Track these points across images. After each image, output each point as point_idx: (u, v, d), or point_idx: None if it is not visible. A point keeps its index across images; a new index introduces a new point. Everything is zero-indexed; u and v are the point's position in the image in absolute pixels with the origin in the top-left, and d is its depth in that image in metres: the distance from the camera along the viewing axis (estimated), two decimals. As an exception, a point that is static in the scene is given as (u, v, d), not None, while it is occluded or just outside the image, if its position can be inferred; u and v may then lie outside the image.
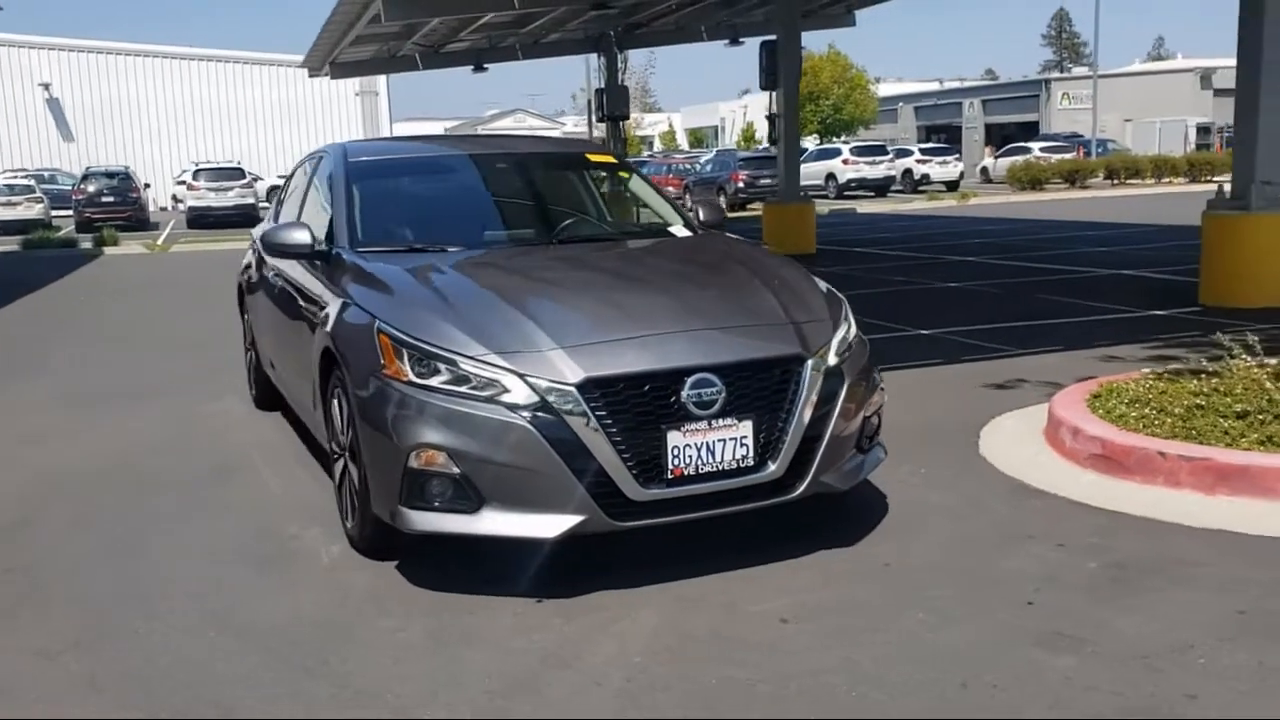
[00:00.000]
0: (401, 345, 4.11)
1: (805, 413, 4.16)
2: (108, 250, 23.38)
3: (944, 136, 58.31)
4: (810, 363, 4.21)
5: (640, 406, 3.94)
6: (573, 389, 3.89)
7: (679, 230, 5.73)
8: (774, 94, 18.22)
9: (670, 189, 31.50)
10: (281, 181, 34.16)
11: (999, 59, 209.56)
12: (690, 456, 3.98)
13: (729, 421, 4.02)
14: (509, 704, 3.32)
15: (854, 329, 4.64)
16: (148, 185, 36.59)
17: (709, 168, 38.38)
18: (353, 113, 49.27)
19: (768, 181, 30.52)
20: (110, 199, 31.14)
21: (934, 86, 74.71)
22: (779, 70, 17.65)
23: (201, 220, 31.06)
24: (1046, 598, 3.90)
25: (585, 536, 4.02)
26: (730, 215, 6.23)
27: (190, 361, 9.50)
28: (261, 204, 35.63)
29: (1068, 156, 40.49)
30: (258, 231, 7.49)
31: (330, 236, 5.33)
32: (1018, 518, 4.76)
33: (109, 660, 3.72)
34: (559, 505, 3.91)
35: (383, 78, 45.29)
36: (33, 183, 32.67)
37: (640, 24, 23.42)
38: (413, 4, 15.66)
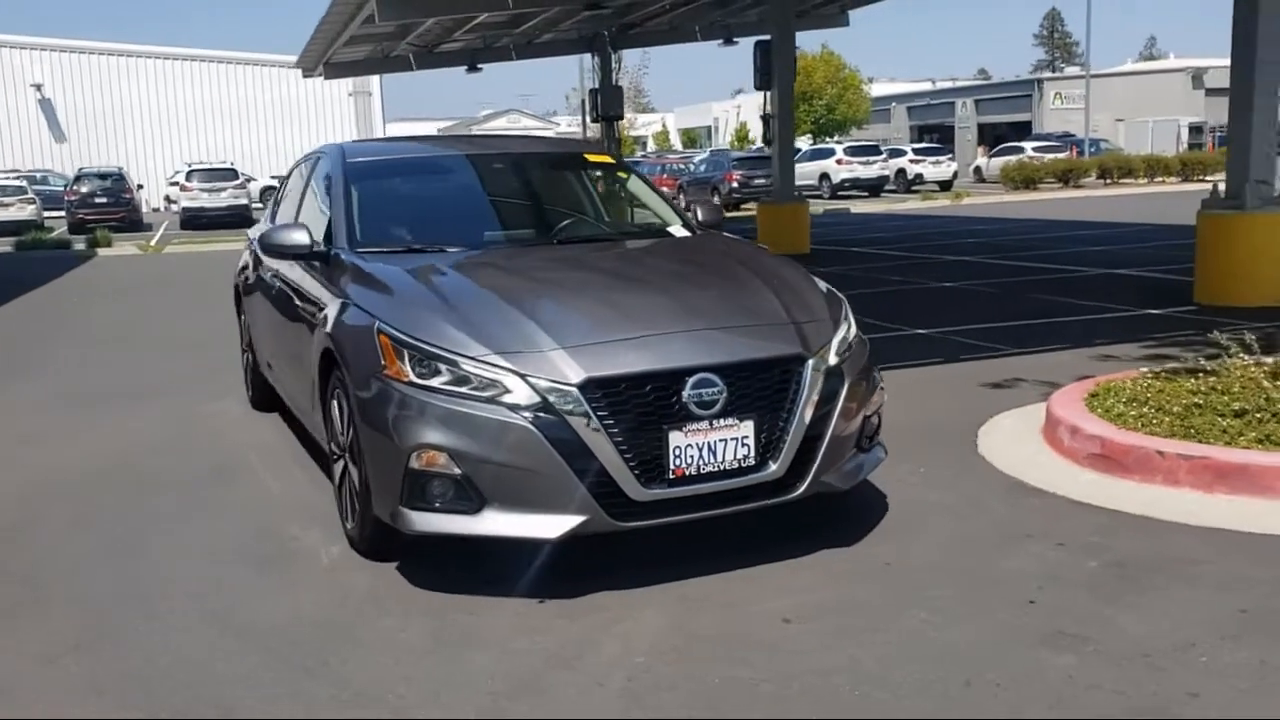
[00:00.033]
0: (402, 346, 4.11)
1: (806, 413, 4.16)
2: (101, 251, 23.34)
3: (937, 136, 58.38)
4: (811, 363, 4.21)
5: (642, 406, 3.94)
6: (574, 389, 3.89)
7: (678, 230, 5.73)
8: (768, 94, 18.22)
9: (664, 189, 31.44)
10: (275, 182, 34.01)
11: (991, 59, 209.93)
12: (692, 456, 3.98)
13: (730, 421, 4.03)
14: (513, 705, 3.32)
15: (854, 329, 4.65)
16: (141, 186, 36.51)
17: (703, 168, 38.38)
18: (346, 113, 49.22)
19: (762, 181, 30.49)
20: (103, 200, 31.06)
21: (926, 86, 74.80)
22: (773, 70, 17.65)
23: (195, 221, 30.98)
24: (1048, 596, 3.91)
25: (586, 537, 4.02)
26: (725, 215, 6.23)
27: (186, 363, 9.48)
28: (255, 205, 35.60)
29: (1061, 156, 40.54)
30: (254, 232, 7.48)
31: (329, 237, 5.32)
32: (1017, 517, 4.77)
33: (109, 662, 3.71)
34: (561, 506, 3.91)
35: (376, 78, 45.26)
36: (25, 184, 32.59)
37: (634, 24, 23.41)
38: (407, 4, 15.65)
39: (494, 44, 24.47)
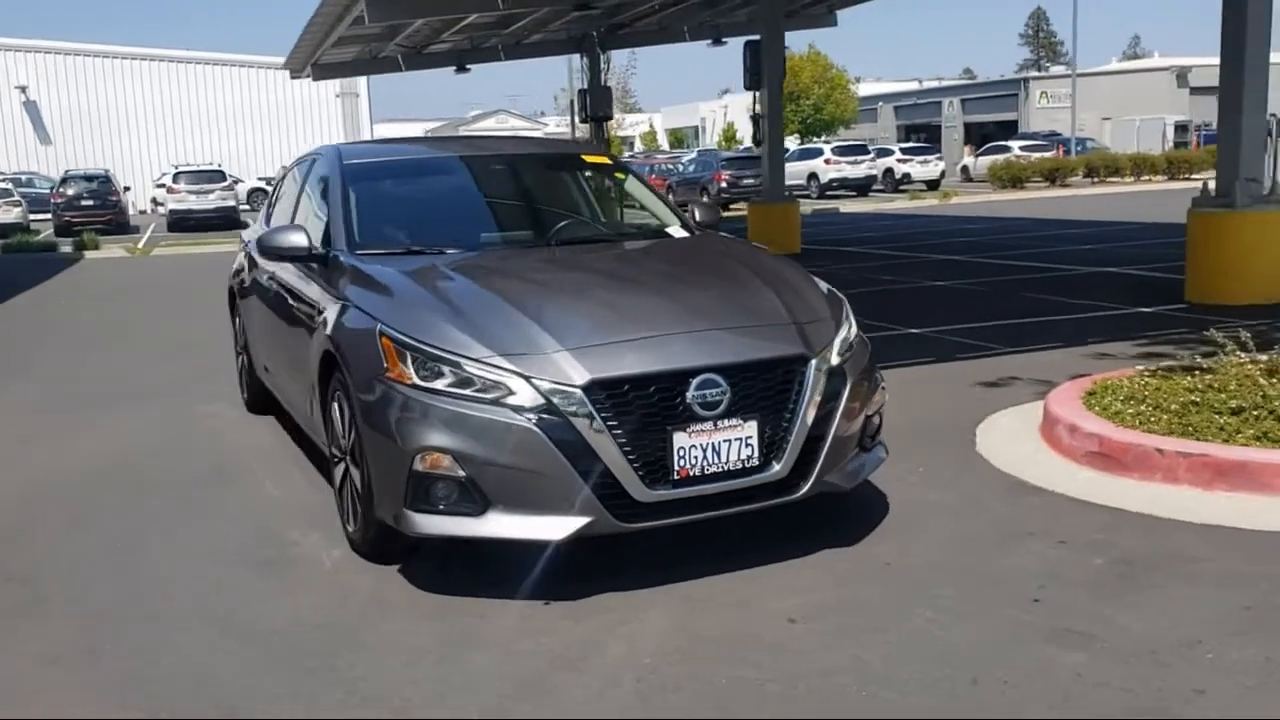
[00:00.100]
0: (405, 348, 4.10)
1: (809, 413, 4.17)
2: (88, 254, 23.25)
3: (923, 136, 58.49)
4: (814, 363, 4.22)
5: (646, 408, 3.94)
6: (578, 391, 3.88)
7: (676, 231, 5.73)
8: (758, 94, 18.24)
9: (653, 189, 31.42)
10: (263, 184, 33.90)
11: (977, 58, 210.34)
12: (696, 457, 3.98)
13: (734, 422, 4.03)
14: (520, 707, 3.31)
15: (855, 329, 4.66)
16: (127, 188, 36.35)
17: (692, 168, 38.42)
18: (333, 114, 49.09)
19: (751, 181, 30.57)
20: (90, 202, 30.91)
21: (913, 86, 74.93)
22: (763, 70, 17.67)
23: (182, 223, 30.85)
24: (1052, 594, 3.92)
25: (590, 538, 4.01)
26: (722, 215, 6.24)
27: (179, 365, 9.45)
28: (242, 206, 35.51)
29: (1047, 155, 40.71)
30: (249, 234, 7.46)
31: (327, 239, 5.30)
32: (1018, 515, 4.78)
33: (110, 663, 3.70)
34: (565, 507, 3.91)
35: (363, 79, 45.12)
36: (10, 186, 32.44)
37: (623, 24, 23.42)
38: (395, 5, 15.62)
39: (482, 45, 24.45)
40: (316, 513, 5.10)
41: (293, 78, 27.54)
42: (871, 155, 39.20)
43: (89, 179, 32.31)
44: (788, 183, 20.79)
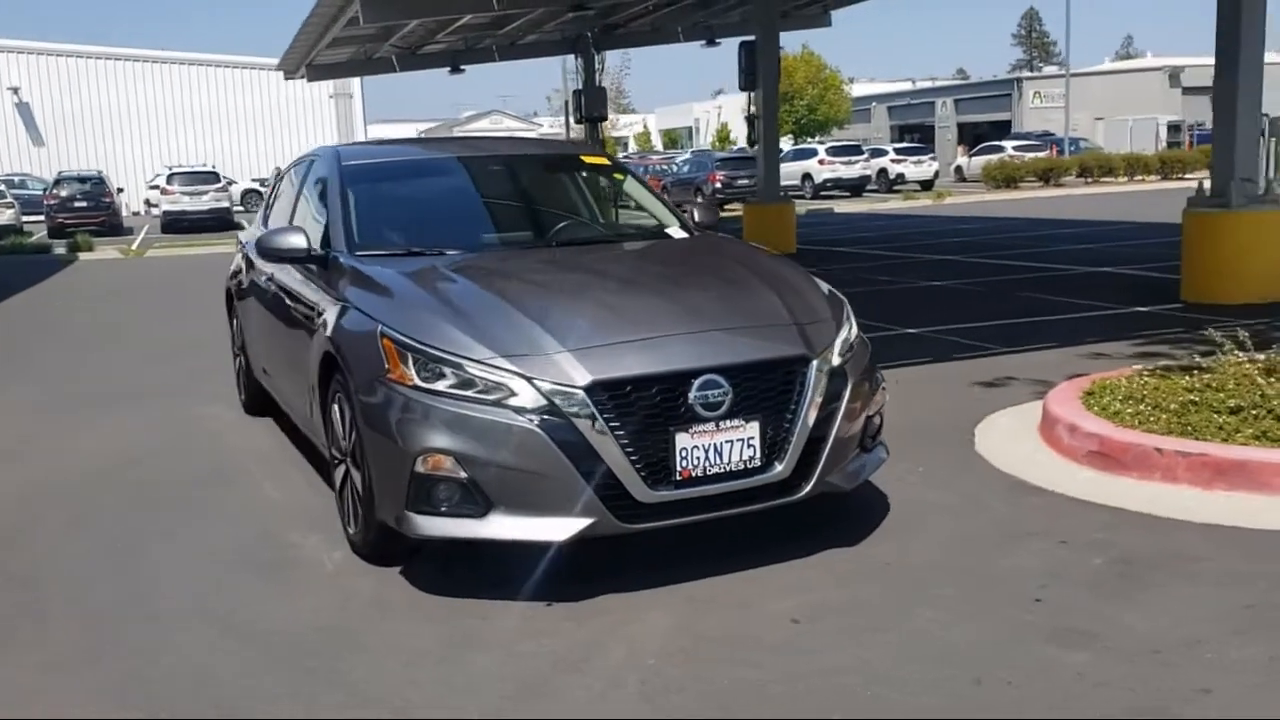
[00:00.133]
0: (406, 349, 4.09)
1: (810, 413, 4.17)
2: (82, 256, 23.19)
3: (917, 136, 58.60)
4: (815, 363, 4.22)
5: (648, 408, 3.94)
6: (581, 392, 3.88)
7: (676, 231, 5.73)
8: (752, 94, 18.25)
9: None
10: (257, 185, 33.78)
11: (970, 59, 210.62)
12: (698, 458, 3.98)
13: (736, 423, 4.03)
14: (524, 709, 3.31)
15: (855, 329, 4.66)
16: (121, 190, 36.25)
17: (686, 168, 38.40)
18: (327, 115, 49.04)
19: (745, 182, 30.54)
20: (83, 204, 30.81)
21: (906, 86, 75.06)
22: (758, 71, 17.68)
23: (176, 224, 30.77)
24: (1053, 594, 3.92)
25: (591, 539, 4.01)
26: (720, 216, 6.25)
27: (175, 367, 9.43)
28: (236, 208, 35.42)
29: (1041, 155, 40.78)
30: (246, 236, 7.45)
31: (326, 241, 5.29)
32: (1018, 515, 4.79)
33: (110, 663, 3.69)
34: (567, 508, 3.90)
35: (357, 80, 45.05)
36: (3, 188, 32.30)
37: (617, 25, 23.41)
38: (391, 6, 15.60)
39: (477, 45, 24.43)
40: (316, 515, 5.10)
41: (287, 79, 27.48)
42: (866, 156, 39.24)
43: (82, 180, 32.22)
44: (782, 183, 20.80)
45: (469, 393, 3.96)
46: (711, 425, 3.99)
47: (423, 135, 52.97)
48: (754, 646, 3.62)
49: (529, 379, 3.92)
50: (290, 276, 5.54)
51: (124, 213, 34.86)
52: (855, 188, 37.63)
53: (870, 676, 3.38)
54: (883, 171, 39.77)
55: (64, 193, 31.06)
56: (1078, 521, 4.66)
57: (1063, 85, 50.54)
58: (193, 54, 49.42)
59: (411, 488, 3.99)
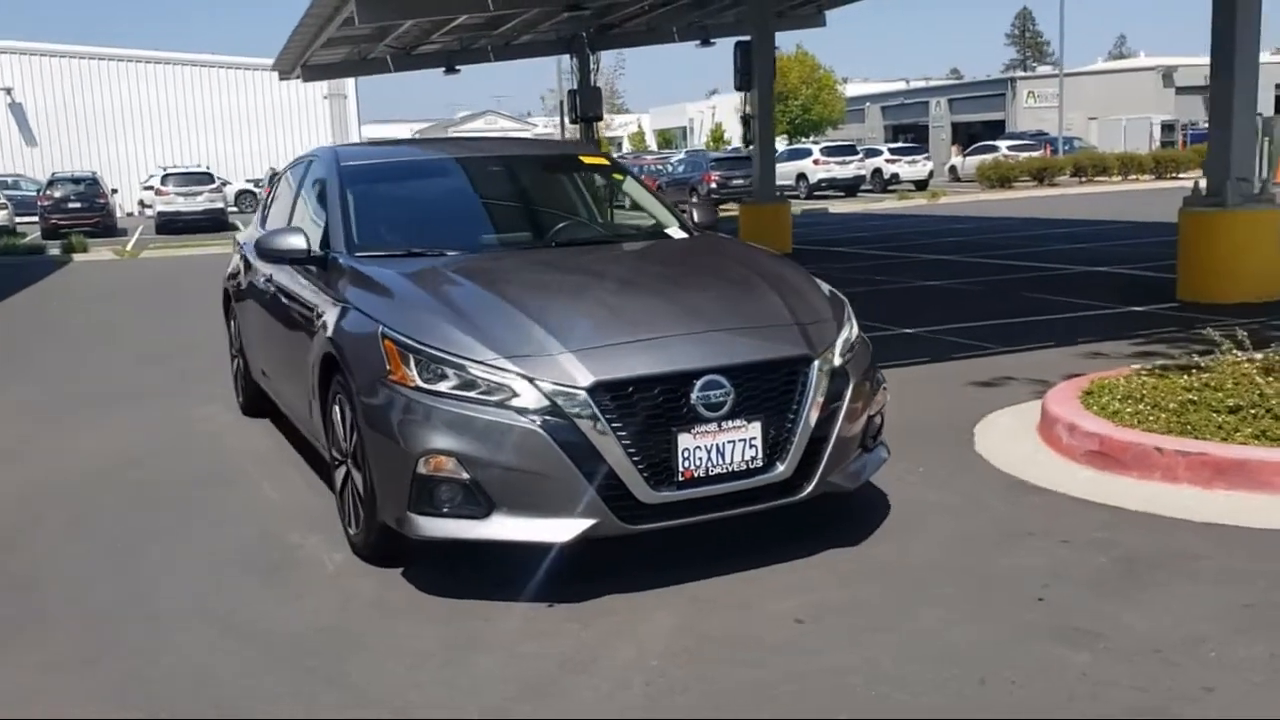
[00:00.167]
0: (408, 350, 4.08)
1: (812, 413, 4.17)
2: (76, 257, 23.12)
3: (911, 136, 58.63)
4: (816, 363, 4.22)
5: (650, 409, 3.94)
6: (583, 393, 3.88)
7: (675, 232, 5.73)
8: (748, 94, 18.25)
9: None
10: (251, 186, 33.65)
11: (963, 58, 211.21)
12: (700, 458, 3.98)
13: (738, 423, 4.03)
14: (528, 710, 3.30)
15: (856, 329, 4.66)
16: (115, 190, 36.19)
17: (681, 168, 38.41)
18: (321, 116, 49.00)
19: (740, 182, 30.60)
20: (77, 205, 30.71)
21: (900, 86, 75.09)
22: (753, 71, 17.69)
23: (170, 225, 30.72)
24: (1056, 594, 3.93)
25: (593, 539, 4.00)
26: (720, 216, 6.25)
27: (171, 368, 9.41)
28: (230, 208, 35.37)
29: (1035, 155, 40.84)
30: (244, 237, 7.44)
31: (325, 241, 5.28)
32: (1019, 515, 4.80)
33: (111, 664, 3.68)
34: (570, 509, 3.90)
35: (351, 80, 45.06)
36: (-3, 189, 32.26)
37: (612, 25, 23.42)
38: (386, 6, 15.56)
39: (472, 46, 24.43)
40: (316, 516, 5.09)
41: (281, 79, 27.46)
42: (860, 155, 39.28)
43: (76, 181, 32.12)
44: (777, 183, 20.83)
45: (471, 394, 3.95)
46: (714, 425, 3.99)
47: (417, 136, 52.96)
48: (758, 647, 3.62)
49: (531, 380, 3.92)
50: (289, 277, 5.52)
51: (118, 214, 34.80)
52: (850, 188, 37.67)
53: (875, 676, 3.38)
54: (877, 171, 39.81)
55: (58, 194, 30.96)
56: (1078, 521, 4.66)
57: (1056, 85, 50.68)
58: (187, 54, 49.42)
59: (414, 489, 3.98)
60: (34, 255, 23.94)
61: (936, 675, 3.37)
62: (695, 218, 5.84)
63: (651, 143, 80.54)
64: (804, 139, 53.79)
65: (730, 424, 4.02)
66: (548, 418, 3.87)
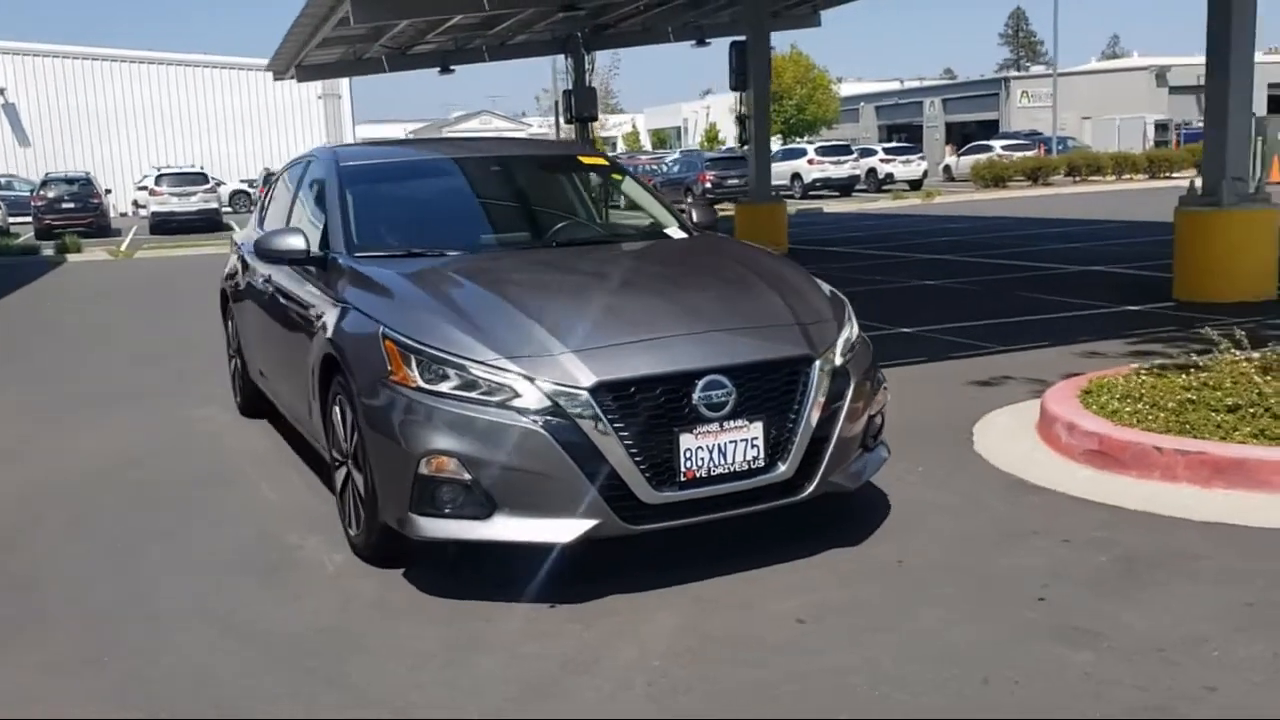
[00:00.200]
0: (409, 351, 4.08)
1: (814, 413, 4.18)
2: (70, 257, 23.06)
3: (905, 136, 58.68)
4: (818, 363, 4.23)
5: (652, 409, 3.94)
6: (585, 393, 3.87)
7: (674, 232, 5.73)
8: (743, 94, 18.27)
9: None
10: (246, 186, 33.56)
11: (957, 58, 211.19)
12: (702, 458, 3.98)
13: (740, 423, 4.03)
14: (531, 710, 3.30)
15: (857, 329, 4.67)
16: (108, 191, 36.10)
17: (676, 168, 38.45)
18: (315, 116, 48.91)
19: (735, 182, 30.66)
20: (70, 205, 30.66)
21: (894, 86, 75.15)
22: (749, 70, 17.71)
23: (165, 226, 30.66)
24: (1057, 593, 3.93)
25: (594, 540, 4.00)
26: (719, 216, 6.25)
27: (167, 368, 9.39)
28: (225, 209, 35.31)
29: (1029, 154, 40.89)
30: (241, 236, 7.42)
31: (325, 242, 5.27)
32: (1019, 514, 4.80)
33: (111, 664, 3.68)
34: (572, 509, 3.90)
35: (345, 81, 44.97)
36: (-11, 189, 32.18)
37: (608, 25, 23.41)
38: (382, 6, 15.54)
39: (467, 46, 24.39)
40: (316, 516, 5.08)
41: (276, 79, 27.41)
42: (855, 155, 39.33)
43: (70, 181, 32.07)
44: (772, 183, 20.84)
45: (473, 394, 3.95)
46: (715, 426, 3.99)
47: (411, 136, 52.93)
48: (760, 647, 3.62)
49: (533, 380, 3.91)
50: (288, 278, 5.51)
51: (111, 214, 34.73)
52: (844, 187, 37.71)
53: (877, 676, 3.38)
54: (871, 171, 39.87)
55: (51, 194, 30.92)
56: (1078, 520, 4.67)
57: (1050, 85, 50.75)
58: (181, 55, 49.28)
59: (415, 490, 3.98)
60: (28, 256, 23.88)
61: (939, 675, 3.37)
62: (694, 218, 5.83)
63: (646, 143, 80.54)
64: (798, 139, 53.82)
65: (732, 424, 4.02)
66: (550, 418, 3.87)
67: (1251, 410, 5.15)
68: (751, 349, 4.15)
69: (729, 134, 56.81)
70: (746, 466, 4.06)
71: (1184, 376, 5.67)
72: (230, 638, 3.89)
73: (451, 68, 25.01)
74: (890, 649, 3.57)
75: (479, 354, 3.99)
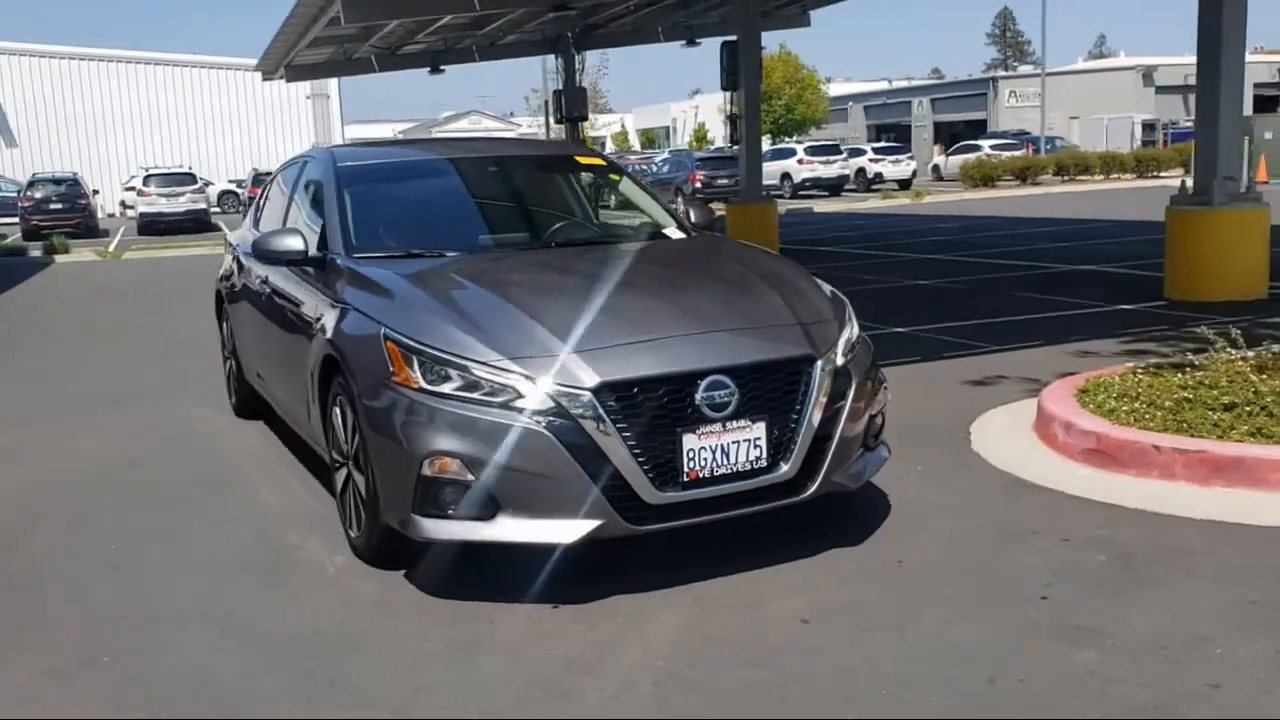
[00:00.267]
0: (411, 352, 4.07)
1: (815, 413, 4.18)
2: (58, 258, 22.96)
3: (893, 135, 58.80)
4: (819, 363, 4.23)
5: (655, 410, 3.94)
6: (588, 393, 3.87)
7: (673, 232, 5.73)
8: (734, 94, 18.27)
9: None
10: (234, 187, 33.42)
11: (945, 58, 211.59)
12: (705, 459, 3.98)
13: (742, 423, 4.03)
14: (536, 711, 3.30)
15: (858, 329, 4.68)
16: (96, 191, 35.95)
17: (665, 168, 38.41)
18: (304, 116, 48.82)
19: (725, 182, 30.65)
20: (58, 206, 30.51)
21: (883, 86, 75.28)
22: (740, 71, 17.71)
23: (153, 226, 30.56)
24: (1059, 592, 3.95)
25: (597, 540, 3.99)
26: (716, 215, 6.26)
27: (160, 370, 9.35)
28: (213, 209, 35.19)
29: (1018, 154, 41.03)
30: (236, 237, 7.40)
31: (322, 243, 5.25)
32: (1019, 514, 4.81)
33: (111, 665, 3.66)
34: (575, 510, 3.89)
35: (334, 81, 44.88)
36: (-23, 190, 32.04)
37: (598, 25, 23.39)
38: (372, 6, 15.50)
39: (456, 45, 24.36)
40: (315, 517, 5.07)
41: (265, 79, 27.31)
42: (844, 155, 39.39)
43: (57, 182, 31.93)
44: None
45: (475, 395, 3.94)
46: (718, 426, 3.99)
47: (400, 136, 52.81)
48: (764, 647, 3.63)
49: (536, 381, 3.91)
50: (286, 279, 5.49)
51: (99, 215, 34.57)
52: (833, 187, 37.78)
53: (882, 676, 3.39)
54: (861, 171, 39.94)
55: (38, 195, 30.78)
56: (1078, 519, 4.68)
57: (1038, 84, 50.92)
58: (168, 54, 49.17)
59: (418, 491, 3.97)
60: (15, 257, 23.77)
61: (945, 675, 3.38)
62: (692, 218, 5.83)
63: (635, 142, 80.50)
64: (788, 139, 53.88)
65: (735, 424, 4.02)
66: (552, 419, 3.87)
67: (1248, 409, 5.17)
68: (754, 349, 4.15)
69: (718, 134, 56.87)
70: (749, 467, 4.06)
71: (1180, 375, 5.69)
72: (230, 638, 3.88)
73: (441, 68, 24.98)
74: (895, 649, 3.57)
75: (481, 355, 3.99)
